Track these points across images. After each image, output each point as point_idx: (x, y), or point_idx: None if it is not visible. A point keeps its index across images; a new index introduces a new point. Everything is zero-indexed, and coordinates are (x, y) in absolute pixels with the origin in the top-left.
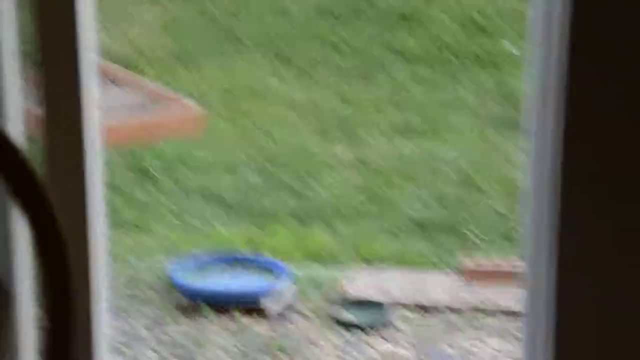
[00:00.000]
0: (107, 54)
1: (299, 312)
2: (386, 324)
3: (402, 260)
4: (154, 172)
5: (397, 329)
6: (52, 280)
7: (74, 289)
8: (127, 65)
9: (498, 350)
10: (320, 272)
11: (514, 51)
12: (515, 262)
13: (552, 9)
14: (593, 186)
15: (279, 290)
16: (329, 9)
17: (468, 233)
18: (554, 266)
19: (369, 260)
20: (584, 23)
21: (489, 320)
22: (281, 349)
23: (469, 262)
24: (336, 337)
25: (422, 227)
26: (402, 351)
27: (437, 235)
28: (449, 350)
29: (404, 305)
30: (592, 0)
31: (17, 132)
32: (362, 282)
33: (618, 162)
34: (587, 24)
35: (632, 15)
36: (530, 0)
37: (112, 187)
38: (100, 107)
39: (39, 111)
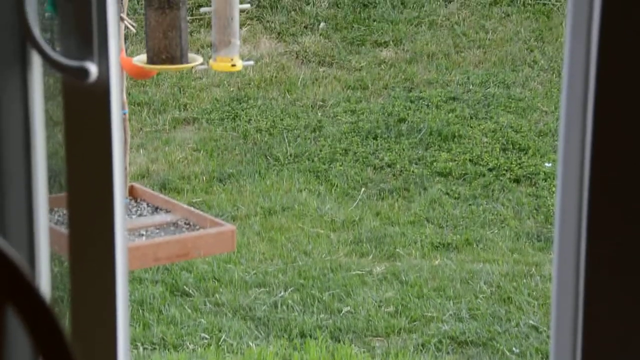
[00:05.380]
0: (146, 174)
1: None
2: None
3: None
4: (188, 289)
5: None
6: None
7: None
8: (165, 184)
9: None
10: None
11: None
12: None
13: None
14: (616, 297)
15: None
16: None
17: (502, 347)
18: None
19: None
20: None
21: None
22: None
23: None
24: None
25: (456, 341)
26: None
27: (470, 350)
28: None
29: None
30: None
31: (44, 250)
32: None
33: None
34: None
35: None
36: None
37: (146, 304)
38: (136, 228)
39: (66, 232)
